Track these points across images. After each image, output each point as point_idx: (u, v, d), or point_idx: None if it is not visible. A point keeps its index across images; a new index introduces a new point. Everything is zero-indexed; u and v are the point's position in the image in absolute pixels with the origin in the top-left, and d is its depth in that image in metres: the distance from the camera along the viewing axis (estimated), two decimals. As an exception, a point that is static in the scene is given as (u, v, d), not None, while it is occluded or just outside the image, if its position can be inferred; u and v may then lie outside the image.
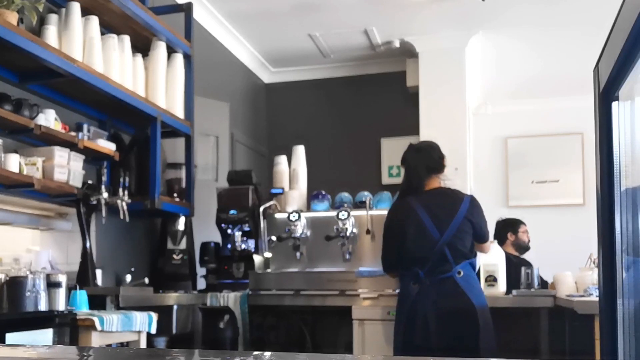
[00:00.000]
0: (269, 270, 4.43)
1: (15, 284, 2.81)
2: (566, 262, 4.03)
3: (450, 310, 3.16)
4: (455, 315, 3.15)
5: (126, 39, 3.89)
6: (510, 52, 6.39)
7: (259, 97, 6.99)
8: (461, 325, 3.15)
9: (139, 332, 3.26)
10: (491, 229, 4.81)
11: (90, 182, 3.64)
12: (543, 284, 4.03)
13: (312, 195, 4.48)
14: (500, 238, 4.80)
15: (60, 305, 3.01)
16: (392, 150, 6.69)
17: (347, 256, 4.26)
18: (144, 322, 3.26)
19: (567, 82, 6.59)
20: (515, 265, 4.20)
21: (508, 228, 4.94)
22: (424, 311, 3.21)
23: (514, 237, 4.89)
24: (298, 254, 4.31)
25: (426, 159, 3.43)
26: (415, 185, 3.42)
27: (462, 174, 5.97)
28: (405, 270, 3.34)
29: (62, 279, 3.06)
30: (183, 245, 4.44)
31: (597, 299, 1.28)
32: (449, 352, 3.08)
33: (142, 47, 4.13)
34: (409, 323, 3.26)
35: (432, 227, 3.27)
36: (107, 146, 3.74)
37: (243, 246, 4.55)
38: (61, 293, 3.03)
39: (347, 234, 4.20)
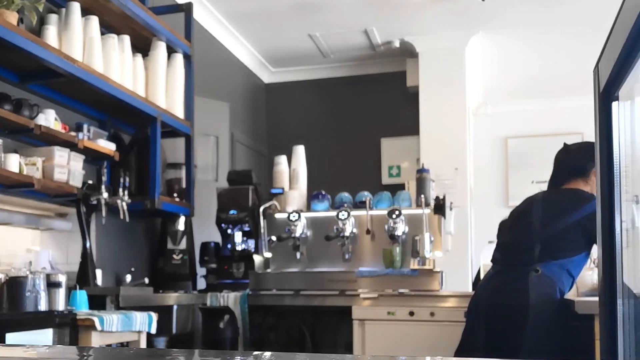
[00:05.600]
0: (269, 270, 4.43)
1: (15, 284, 2.81)
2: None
3: (503, 302, 3.10)
4: (505, 308, 3.10)
5: (126, 39, 3.89)
6: (510, 52, 6.39)
7: (259, 97, 6.99)
8: (507, 318, 3.10)
9: (139, 332, 3.26)
10: (494, 228, 4.82)
11: (90, 182, 3.64)
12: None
13: (312, 195, 4.48)
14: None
15: (60, 305, 3.02)
16: (392, 150, 6.70)
17: (347, 256, 4.26)
18: (144, 322, 3.26)
19: (567, 82, 6.59)
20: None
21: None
22: (479, 296, 3.22)
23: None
24: (298, 254, 4.31)
25: (571, 160, 3.29)
26: (558, 181, 3.30)
27: (462, 174, 5.98)
28: (495, 254, 3.34)
29: (62, 279, 3.06)
30: (183, 245, 4.44)
31: (597, 299, 1.28)
32: (489, 348, 3.05)
33: (142, 47, 4.13)
34: (469, 305, 3.28)
35: (537, 222, 3.23)
36: (107, 146, 3.74)
37: (243, 246, 4.55)
38: (61, 293, 3.04)
39: (347, 234, 4.20)
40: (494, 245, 3.54)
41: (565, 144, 3.40)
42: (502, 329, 3.05)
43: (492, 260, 3.39)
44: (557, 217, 3.15)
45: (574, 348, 2.96)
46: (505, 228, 3.45)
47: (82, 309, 3.14)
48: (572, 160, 3.29)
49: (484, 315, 3.13)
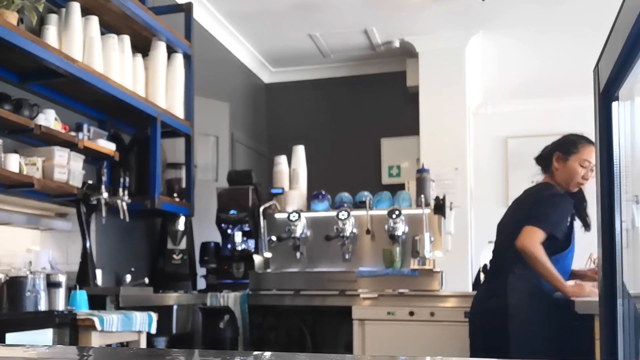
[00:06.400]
0: (269, 270, 4.43)
1: (15, 284, 2.81)
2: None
3: (485, 308, 3.15)
4: (487, 313, 3.14)
5: (126, 39, 3.89)
6: (510, 52, 6.39)
7: (259, 97, 6.99)
8: (491, 323, 3.12)
9: (139, 332, 3.26)
10: (494, 228, 4.81)
11: (90, 182, 3.64)
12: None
13: (312, 195, 4.48)
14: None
15: (60, 305, 3.02)
16: (392, 150, 6.70)
17: (347, 256, 4.26)
18: (144, 322, 3.26)
19: (567, 82, 6.59)
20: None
21: None
22: (472, 307, 3.28)
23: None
24: (298, 254, 4.31)
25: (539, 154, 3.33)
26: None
27: (462, 174, 5.98)
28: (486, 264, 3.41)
29: (62, 279, 3.06)
30: (183, 245, 4.44)
31: (597, 299, 1.28)
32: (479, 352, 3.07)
33: (142, 47, 4.13)
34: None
35: (507, 224, 3.24)
36: (107, 146, 3.74)
37: (243, 246, 4.55)
38: (61, 293, 3.04)
39: (347, 234, 4.20)
40: (493, 246, 3.55)
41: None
42: (490, 332, 3.09)
43: (483, 270, 3.44)
44: (514, 213, 3.22)
45: (573, 348, 2.97)
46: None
47: (82, 309, 3.14)
48: (538, 155, 3.34)
49: (479, 324, 3.17)
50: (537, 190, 3.23)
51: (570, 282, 3.13)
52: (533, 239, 3.00)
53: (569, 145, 3.22)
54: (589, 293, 2.93)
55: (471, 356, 3.28)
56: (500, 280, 3.12)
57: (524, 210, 3.15)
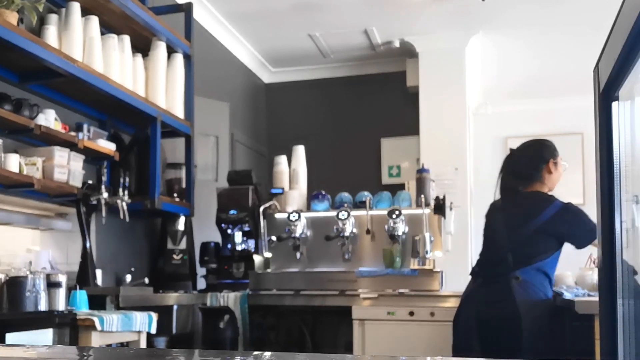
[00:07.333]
0: (269, 270, 4.43)
1: (15, 284, 2.81)
2: (566, 262, 4.03)
3: (493, 315, 3.12)
4: (496, 320, 3.11)
5: (126, 39, 3.89)
6: (510, 52, 6.39)
7: (259, 97, 6.99)
8: (501, 329, 3.10)
9: (139, 332, 3.26)
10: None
11: (90, 182, 3.64)
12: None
13: (312, 195, 4.48)
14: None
15: (60, 305, 3.01)
16: (392, 150, 6.70)
17: (347, 256, 4.26)
18: (144, 322, 3.26)
19: (567, 82, 6.59)
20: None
21: None
22: (467, 312, 3.23)
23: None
24: (298, 254, 4.31)
25: (513, 165, 3.34)
26: (508, 187, 3.34)
27: (462, 174, 5.98)
28: (474, 268, 3.39)
29: (62, 279, 3.06)
30: (183, 245, 4.44)
31: (597, 299, 1.28)
32: (486, 355, 3.06)
33: (142, 47, 4.13)
34: (455, 320, 3.30)
35: (502, 231, 3.24)
36: (107, 146, 3.74)
37: (243, 246, 4.55)
38: (61, 293, 3.03)
39: (347, 234, 4.20)
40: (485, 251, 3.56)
41: (510, 149, 3.44)
42: (498, 341, 3.08)
43: (471, 274, 3.41)
44: (521, 223, 3.19)
45: (573, 348, 2.97)
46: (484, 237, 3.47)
47: (82, 309, 3.14)
48: (516, 166, 3.33)
49: (476, 331, 3.15)
50: (545, 202, 3.20)
51: None
52: None
53: (552, 149, 3.31)
54: None
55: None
56: (502, 285, 3.12)
57: (567, 227, 3.15)
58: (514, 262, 3.11)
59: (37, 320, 2.77)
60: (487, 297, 3.20)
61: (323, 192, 4.48)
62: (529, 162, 3.30)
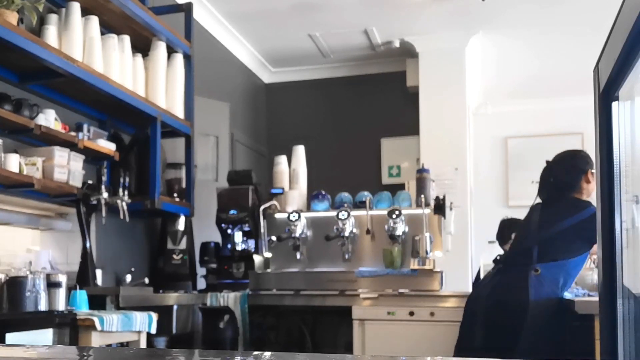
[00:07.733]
0: (269, 270, 4.43)
1: (15, 284, 2.81)
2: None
3: (501, 298, 3.18)
4: (503, 303, 3.16)
5: (126, 39, 3.89)
6: (510, 52, 6.39)
7: (259, 97, 6.99)
8: (505, 313, 3.14)
9: (139, 332, 3.26)
10: (494, 228, 4.82)
11: (90, 182, 3.64)
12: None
13: (312, 195, 4.48)
14: (503, 237, 4.79)
15: (60, 305, 3.02)
16: (392, 150, 6.70)
17: (347, 256, 4.26)
18: (144, 322, 3.26)
19: (567, 82, 6.60)
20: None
21: (513, 228, 4.94)
22: (478, 292, 3.33)
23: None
24: (298, 254, 4.31)
25: (554, 176, 3.35)
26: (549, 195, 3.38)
27: (462, 174, 5.98)
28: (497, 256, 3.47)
29: (62, 279, 3.06)
30: (183, 245, 4.44)
31: (597, 299, 1.28)
32: (488, 345, 3.08)
33: (142, 47, 4.13)
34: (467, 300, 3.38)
35: (534, 227, 3.28)
36: (107, 146, 3.74)
37: (243, 246, 4.55)
38: (61, 293, 3.04)
39: (347, 234, 4.20)
40: (494, 246, 3.57)
41: (547, 162, 3.44)
42: (501, 325, 3.12)
43: (494, 261, 3.44)
44: (554, 221, 3.25)
45: (573, 348, 2.97)
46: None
47: (82, 309, 3.14)
48: (556, 178, 3.35)
49: (483, 311, 3.20)
50: (581, 206, 3.26)
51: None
52: None
53: (587, 159, 3.33)
54: None
55: (458, 342, 3.30)
56: (521, 275, 3.15)
57: (568, 225, 3.21)
58: (539, 256, 3.16)
59: (37, 320, 2.77)
60: (501, 281, 3.24)
61: (323, 192, 4.48)
62: (567, 172, 3.33)
